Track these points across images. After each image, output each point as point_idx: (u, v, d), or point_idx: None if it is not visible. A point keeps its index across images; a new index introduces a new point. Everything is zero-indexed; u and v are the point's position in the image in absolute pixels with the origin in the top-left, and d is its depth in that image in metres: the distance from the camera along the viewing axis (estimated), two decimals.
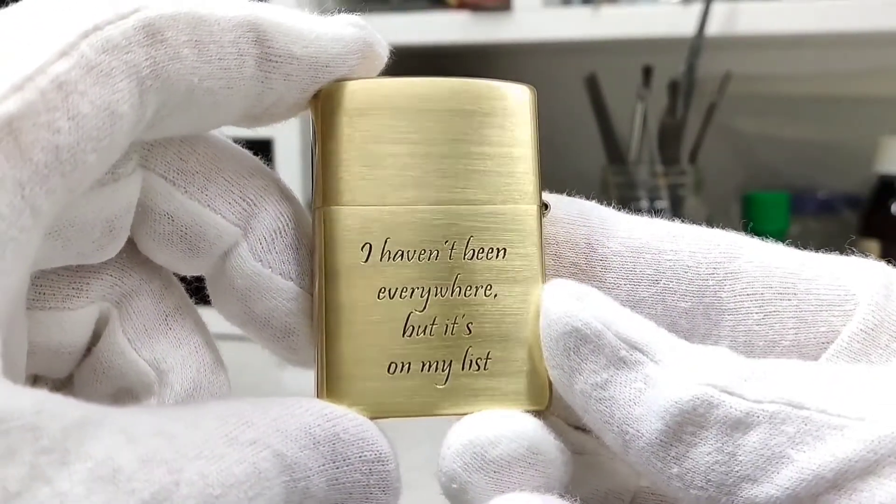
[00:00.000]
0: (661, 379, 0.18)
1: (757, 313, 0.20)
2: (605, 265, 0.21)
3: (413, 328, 0.20)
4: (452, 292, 0.20)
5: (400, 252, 0.20)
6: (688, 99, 0.77)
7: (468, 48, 0.86)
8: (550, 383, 0.20)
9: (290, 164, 0.84)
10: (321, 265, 0.20)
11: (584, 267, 0.21)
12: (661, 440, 0.18)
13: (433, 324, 0.20)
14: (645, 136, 0.80)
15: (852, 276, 0.21)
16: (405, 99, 0.21)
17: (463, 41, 0.81)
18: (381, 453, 0.19)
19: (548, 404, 0.21)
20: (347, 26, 0.20)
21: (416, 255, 0.20)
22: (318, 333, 0.20)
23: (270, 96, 0.20)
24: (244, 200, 0.21)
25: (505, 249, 0.21)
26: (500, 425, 0.19)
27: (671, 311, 0.21)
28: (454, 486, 0.19)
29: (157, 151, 0.20)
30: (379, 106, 0.20)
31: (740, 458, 0.18)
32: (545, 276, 0.21)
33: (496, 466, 0.19)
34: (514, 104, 0.21)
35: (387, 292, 0.20)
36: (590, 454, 0.21)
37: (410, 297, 0.20)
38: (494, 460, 0.19)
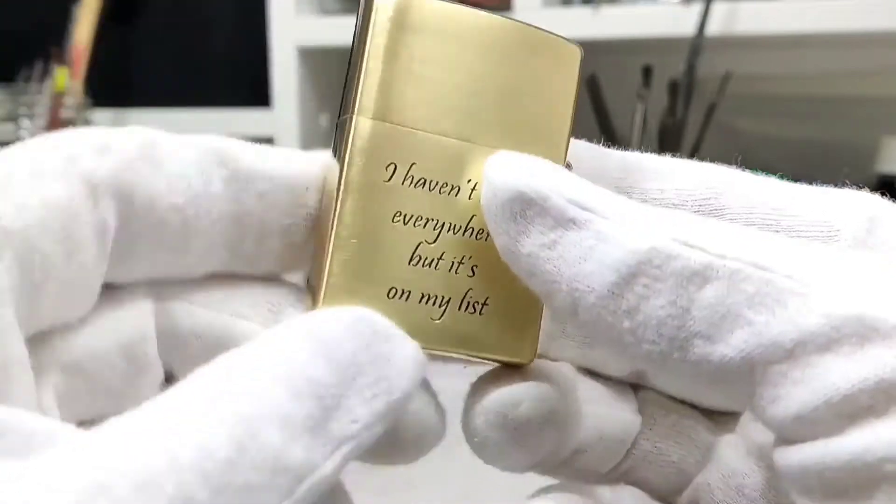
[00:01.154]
0: (614, 233, 0.17)
1: None
2: None
3: (420, 258, 0.20)
4: (465, 232, 0.20)
5: (423, 180, 0.20)
6: (688, 99, 0.77)
7: None
8: (537, 340, 0.21)
9: None
10: (343, 175, 0.20)
11: None
12: (612, 293, 0.17)
13: (440, 258, 0.20)
14: (645, 135, 0.80)
15: (838, 210, 0.20)
16: (462, 27, 0.20)
17: None
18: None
19: (530, 360, 0.21)
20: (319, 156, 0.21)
21: (438, 188, 0.20)
22: (326, 243, 0.20)
23: (251, 223, 0.20)
24: (269, 303, 0.20)
25: None
26: (523, 388, 0.20)
27: None
28: (476, 439, 0.20)
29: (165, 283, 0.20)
30: (433, 28, 0.20)
31: (694, 314, 0.17)
32: None
33: (516, 424, 0.20)
34: (564, 61, 0.21)
35: (402, 217, 0.20)
36: (595, 403, 0.22)
37: (424, 227, 0.20)
38: (515, 419, 0.20)
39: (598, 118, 0.82)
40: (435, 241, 0.20)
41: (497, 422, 0.20)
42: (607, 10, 0.77)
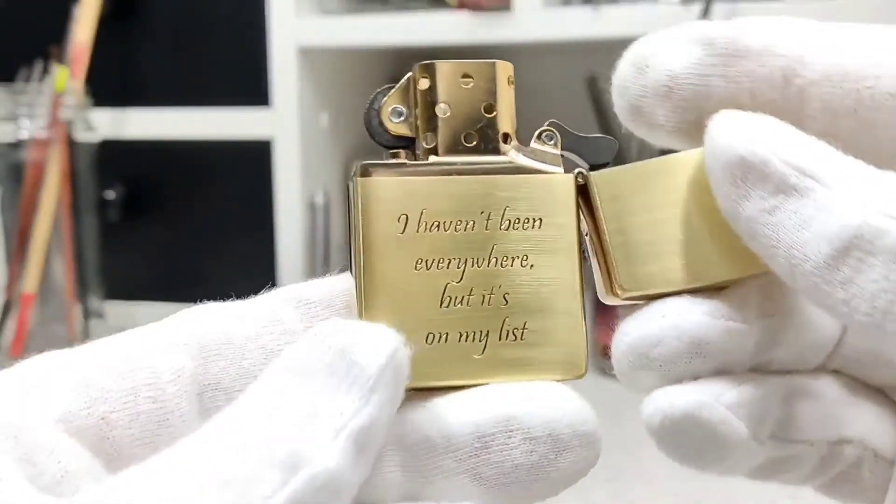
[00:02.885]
0: (830, 204, 0.18)
1: None
2: (802, 97, 0.20)
3: (450, 299, 0.20)
4: (489, 263, 0.20)
5: (436, 223, 0.20)
6: None
7: (468, 48, 0.86)
8: (587, 352, 0.21)
9: (291, 164, 0.84)
10: (358, 237, 0.20)
11: (780, 103, 0.20)
12: (827, 264, 0.18)
13: (470, 294, 0.20)
14: None
15: None
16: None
17: (463, 41, 0.80)
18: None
19: (584, 372, 0.21)
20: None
21: (453, 226, 0.20)
22: (357, 306, 0.20)
23: None
24: None
25: (541, 219, 0.21)
26: (662, 322, 0.20)
27: (873, 140, 0.20)
28: (625, 381, 0.20)
29: None
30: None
31: None
32: (581, 246, 0.21)
33: (660, 362, 0.20)
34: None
35: (423, 263, 0.20)
36: (781, 315, 0.21)
37: (447, 267, 0.20)
38: (657, 358, 0.20)
39: (598, 118, 0.82)
40: (461, 279, 0.20)
41: (639, 363, 0.20)
42: (607, 10, 0.77)
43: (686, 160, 0.21)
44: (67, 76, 0.81)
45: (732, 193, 0.19)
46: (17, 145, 0.81)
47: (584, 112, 0.83)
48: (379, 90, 0.21)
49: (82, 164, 0.84)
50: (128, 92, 0.90)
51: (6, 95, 0.81)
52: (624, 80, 0.21)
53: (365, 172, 0.20)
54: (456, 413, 0.19)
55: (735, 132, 0.19)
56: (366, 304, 0.20)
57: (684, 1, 0.75)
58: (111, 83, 0.88)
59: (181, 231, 0.91)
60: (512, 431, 0.19)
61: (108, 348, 0.19)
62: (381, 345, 0.17)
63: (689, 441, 0.20)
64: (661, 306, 0.20)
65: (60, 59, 0.83)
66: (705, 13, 0.73)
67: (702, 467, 0.20)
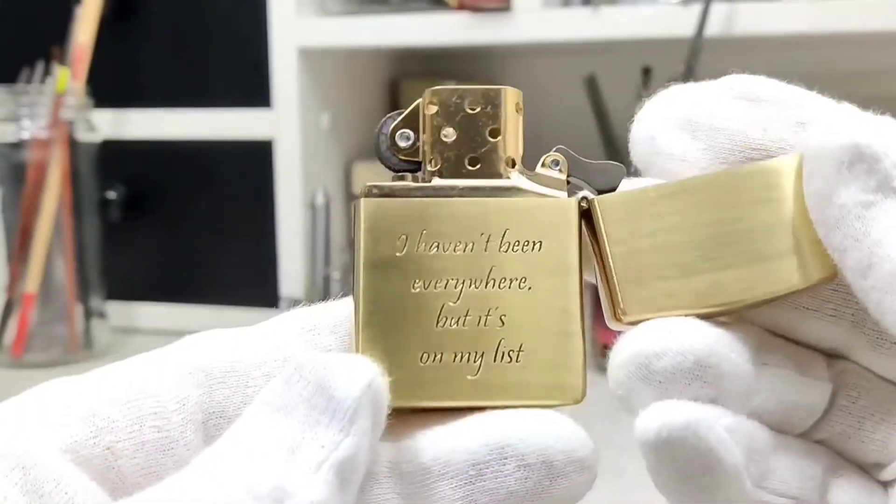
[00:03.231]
0: None
1: None
2: None
3: (446, 319, 0.20)
4: (487, 284, 0.20)
5: (436, 244, 0.20)
6: None
7: (468, 49, 0.86)
8: (584, 377, 0.20)
9: (291, 165, 0.85)
10: (358, 256, 0.20)
11: None
12: None
13: (466, 315, 0.20)
14: None
15: None
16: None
17: (463, 42, 0.81)
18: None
19: (581, 398, 0.20)
20: None
21: (452, 247, 0.21)
22: (353, 324, 0.20)
23: None
24: None
25: (541, 242, 0.21)
26: (668, 338, 0.19)
27: None
28: (620, 392, 0.20)
29: None
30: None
31: None
32: (582, 269, 0.21)
33: (660, 377, 0.19)
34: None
35: (421, 283, 0.20)
36: (775, 367, 0.21)
37: (445, 288, 0.20)
38: (658, 372, 0.19)
39: (598, 119, 0.82)
40: (458, 300, 0.20)
41: (639, 374, 0.19)
42: (607, 11, 0.77)
43: (697, 184, 0.21)
44: (69, 77, 0.81)
45: (834, 177, 0.19)
46: (18, 145, 0.82)
47: (583, 112, 0.83)
48: (388, 115, 0.22)
49: (83, 165, 0.84)
50: (129, 92, 0.90)
51: (8, 96, 0.81)
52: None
53: (368, 193, 0.21)
54: (451, 440, 0.19)
55: (855, 125, 0.19)
56: (362, 322, 0.20)
57: (684, 2, 0.75)
58: (112, 84, 0.88)
59: (182, 231, 0.91)
60: (506, 459, 0.19)
61: (112, 376, 0.19)
62: (357, 376, 0.18)
63: (683, 458, 0.19)
64: (668, 323, 0.20)
65: (62, 59, 0.83)
66: (704, 14, 0.73)
67: (687, 493, 0.19)
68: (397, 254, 0.20)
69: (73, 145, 0.82)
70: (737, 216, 0.21)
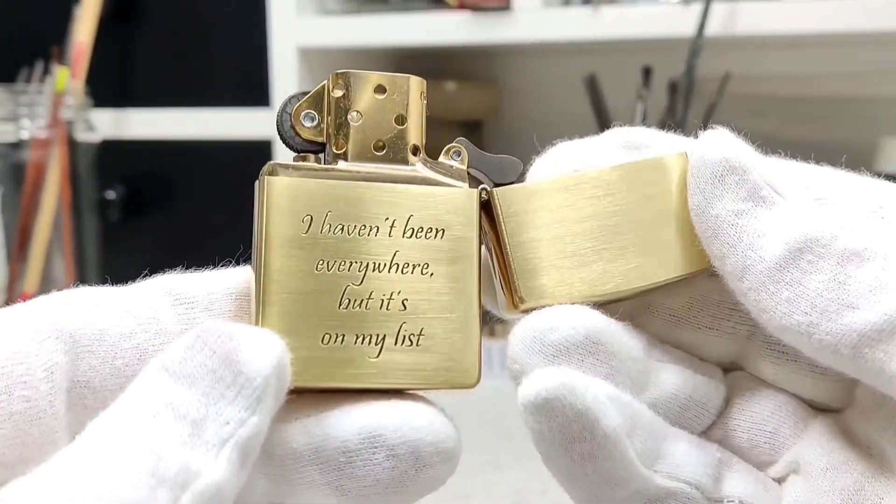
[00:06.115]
0: (790, 215, 0.20)
1: None
2: None
3: (349, 301, 0.20)
4: (390, 269, 0.21)
5: (340, 226, 0.21)
6: (687, 99, 0.77)
7: (468, 48, 0.86)
8: (480, 362, 0.21)
9: None
10: (262, 234, 0.20)
11: None
12: (779, 264, 0.20)
13: (369, 298, 0.21)
14: None
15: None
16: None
17: (463, 42, 0.81)
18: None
19: (476, 382, 0.21)
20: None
21: (357, 230, 0.21)
22: (255, 302, 0.20)
23: None
24: None
25: (443, 230, 0.21)
26: (563, 315, 0.20)
27: None
28: (516, 366, 0.20)
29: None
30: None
31: (849, 288, 0.19)
32: (481, 258, 0.21)
33: (553, 350, 0.20)
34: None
35: (325, 264, 0.20)
36: (673, 363, 0.22)
37: (349, 270, 0.21)
38: (552, 344, 0.20)
39: (598, 118, 0.82)
40: (361, 282, 0.21)
41: (534, 346, 0.20)
42: (607, 11, 0.77)
43: (591, 178, 0.22)
44: (68, 76, 0.81)
45: (708, 190, 0.21)
46: (17, 145, 0.81)
47: (583, 112, 0.83)
48: (292, 95, 0.22)
49: (83, 165, 0.84)
50: (128, 92, 0.90)
51: (7, 96, 0.81)
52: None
53: (273, 172, 0.21)
54: (324, 427, 0.20)
55: (726, 143, 0.21)
56: (264, 301, 0.20)
57: (684, 1, 0.75)
58: (112, 83, 0.88)
59: (181, 231, 0.91)
60: (377, 448, 0.19)
61: None
62: (268, 353, 0.17)
63: (562, 417, 0.19)
64: (564, 306, 0.21)
65: (61, 59, 0.83)
66: (705, 14, 0.73)
67: (571, 463, 0.19)
68: (302, 234, 0.20)
69: (73, 145, 0.82)
70: (626, 209, 0.22)
